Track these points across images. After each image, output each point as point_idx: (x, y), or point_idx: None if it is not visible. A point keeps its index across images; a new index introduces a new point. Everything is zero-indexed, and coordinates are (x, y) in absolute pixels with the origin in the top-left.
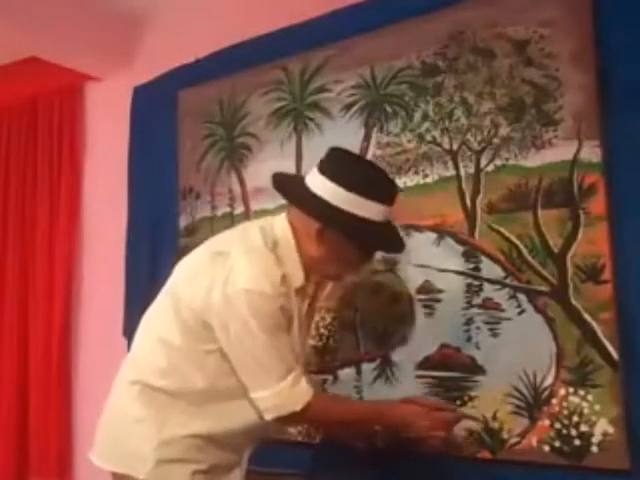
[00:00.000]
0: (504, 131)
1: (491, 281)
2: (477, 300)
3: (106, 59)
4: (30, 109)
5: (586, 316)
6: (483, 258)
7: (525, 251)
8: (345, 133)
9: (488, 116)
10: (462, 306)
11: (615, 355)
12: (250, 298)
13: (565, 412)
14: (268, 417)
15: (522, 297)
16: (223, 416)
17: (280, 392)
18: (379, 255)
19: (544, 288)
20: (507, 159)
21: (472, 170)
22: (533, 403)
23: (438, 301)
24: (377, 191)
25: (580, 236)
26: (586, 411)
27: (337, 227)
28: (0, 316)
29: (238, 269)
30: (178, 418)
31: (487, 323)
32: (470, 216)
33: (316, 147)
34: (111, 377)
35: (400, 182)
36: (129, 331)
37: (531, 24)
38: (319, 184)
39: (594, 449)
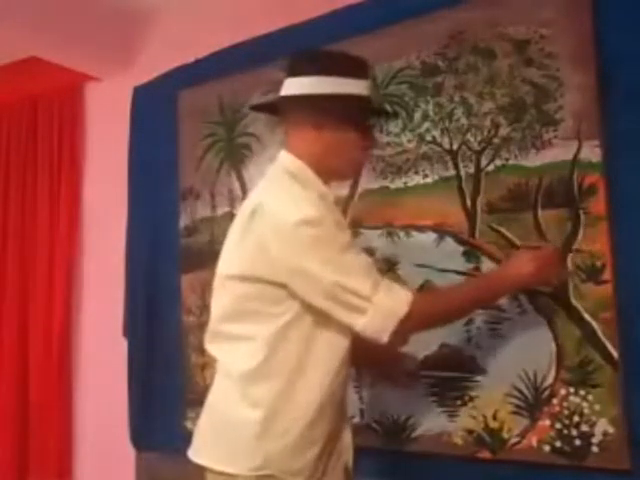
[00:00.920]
0: (504, 131)
1: None
2: None
3: (106, 59)
4: (30, 109)
5: (586, 316)
6: (483, 258)
7: None
8: None
9: (488, 116)
10: None
11: (615, 355)
12: (308, 227)
13: (565, 412)
14: (385, 339)
15: (522, 297)
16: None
17: (379, 306)
18: (379, 255)
19: (544, 288)
20: (507, 159)
21: (472, 170)
22: (533, 403)
23: None
24: (350, 68)
25: (580, 236)
26: (586, 411)
27: (329, 112)
28: (0, 316)
29: (279, 211)
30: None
31: (487, 323)
32: (470, 216)
33: None
34: (111, 377)
35: (400, 182)
36: (129, 331)
37: (531, 24)
38: (297, 84)
39: (594, 449)
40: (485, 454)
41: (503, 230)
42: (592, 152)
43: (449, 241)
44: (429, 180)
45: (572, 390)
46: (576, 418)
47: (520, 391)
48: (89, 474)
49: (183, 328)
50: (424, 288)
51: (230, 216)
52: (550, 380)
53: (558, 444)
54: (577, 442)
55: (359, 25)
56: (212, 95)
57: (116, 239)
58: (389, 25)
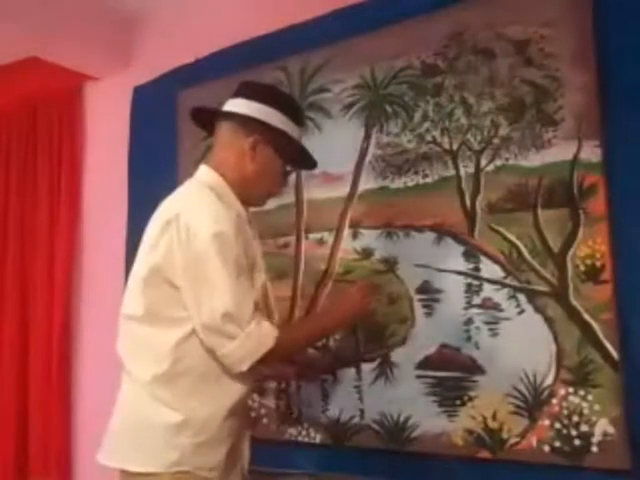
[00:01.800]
0: (504, 131)
1: (491, 281)
2: (477, 300)
3: (106, 59)
4: (30, 109)
5: (586, 316)
6: (483, 258)
7: (525, 251)
8: (345, 133)
9: (488, 116)
10: (462, 306)
11: (615, 355)
12: (216, 242)
13: (565, 412)
14: (243, 368)
15: (522, 297)
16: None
17: (248, 337)
18: (379, 255)
19: (544, 288)
20: (507, 159)
21: (472, 170)
22: (533, 403)
23: (438, 301)
24: (292, 111)
25: (580, 236)
26: (586, 411)
27: (269, 140)
28: (0, 317)
29: (194, 222)
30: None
31: (487, 323)
32: (470, 216)
33: (316, 147)
34: (111, 377)
35: (400, 182)
36: None
37: (531, 24)
38: (245, 106)
39: (594, 449)
40: (485, 454)
41: (503, 230)
42: (592, 152)
43: (449, 241)
44: (429, 180)
45: (572, 390)
46: (576, 418)
47: (520, 391)
48: (89, 474)
49: None
50: (424, 288)
51: None
52: (550, 380)
53: (558, 444)
54: (577, 442)
55: (359, 25)
56: (212, 95)
57: (116, 239)
58: (389, 25)
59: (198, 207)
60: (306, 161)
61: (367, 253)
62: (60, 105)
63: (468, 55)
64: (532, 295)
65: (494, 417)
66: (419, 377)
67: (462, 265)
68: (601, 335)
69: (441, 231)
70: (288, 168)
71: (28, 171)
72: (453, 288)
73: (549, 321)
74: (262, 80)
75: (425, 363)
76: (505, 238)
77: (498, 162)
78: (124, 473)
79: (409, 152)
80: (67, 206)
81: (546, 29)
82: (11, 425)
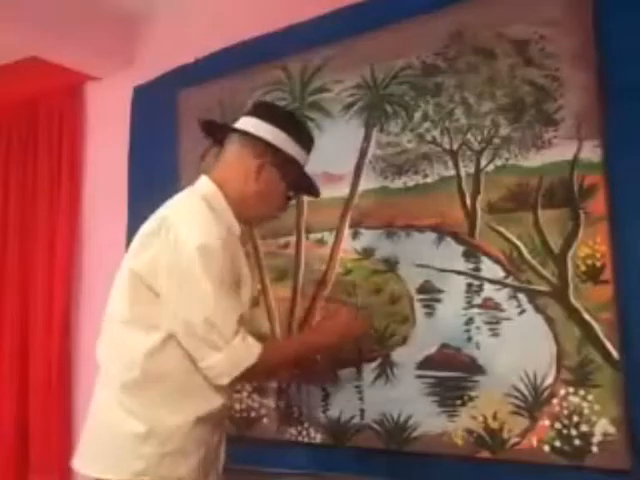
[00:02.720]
0: (504, 131)
1: (491, 281)
2: (477, 300)
3: (106, 59)
4: (30, 109)
5: (586, 316)
6: (483, 258)
7: (525, 251)
8: (345, 133)
9: (488, 116)
10: (462, 306)
11: (615, 355)
12: (202, 254)
13: (565, 412)
14: (225, 381)
15: (522, 297)
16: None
17: (233, 350)
18: (379, 255)
19: (544, 288)
20: (507, 159)
21: (472, 170)
22: (533, 403)
23: (438, 301)
24: (304, 138)
25: (580, 236)
26: (586, 411)
27: (276, 164)
28: (0, 316)
29: (183, 231)
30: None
31: (487, 323)
32: (470, 216)
33: (316, 147)
34: None
35: (400, 182)
36: None
37: (531, 24)
38: (255, 126)
39: (594, 449)
40: (485, 454)
41: (503, 230)
42: (592, 152)
43: (449, 241)
44: (429, 180)
45: (572, 390)
46: (576, 418)
47: (520, 391)
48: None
49: None
50: (424, 288)
51: None
52: (550, 380)
53: (558, 444)
54: (577, 442)
55: (359, 25)
56: (212, 95)
57: (116, 239)
58: (389, 25)
59: (188, 217)
60: (310, 188)
61: (367, 253)
62: (60, 105)
63: (468, 55)
64: (533, 295)
65: (494, 417)
66: (419, 377)
67: (463, 265)
68: (601, 335)
69: (441, 231)
70: (291, 193)
71: (28, 171)
72: (454, 288)
73: (549, 321)
74: (262, 80)
75: (426, 363)
76: (505, 238)
77: (498, 162)
78: None
79: (409, 152)
80: (67, 206)
81: (546, 29)
82: (11, 425)
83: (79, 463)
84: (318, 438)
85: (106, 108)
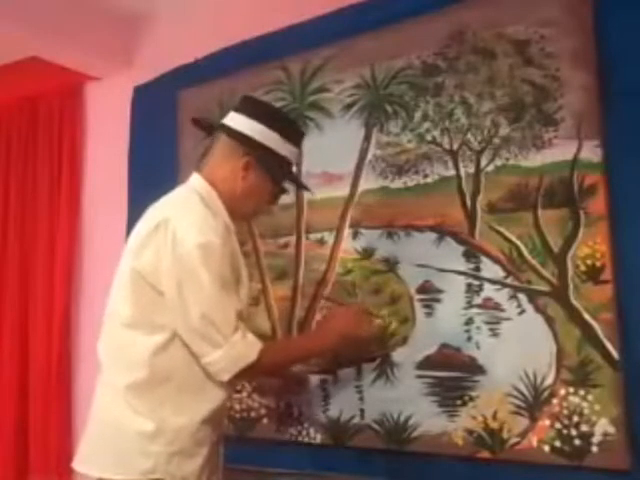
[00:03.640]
0: (504, 131)
1: (491, 281)
2: (477, 300)
3: (106, 59)
4: (30, 109)
5: (586, 316)
6: (483, 258)
7: (525, 251)
8: (345, 133)
9: (488, 116)
10: (462, 306)
11: (615, 355)
12: (202, 252)
13: (565, 412)
14: (226, 377)
15: (522, 297)
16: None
17: (233, 347)
18: (379, 255)
19: (544, 288)
20: (507, 159)
21: (472, 170)
22: (533, 403)
23: (438, 301)
24: (292, 134)
25: (580, 236)
26: (586, 411)
27: (262, 161)
28: (0, 316)
29: (182, 229)
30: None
31: (487, 323)
32: (470, 216)
33: (316, 147)
34: None
35: (400, 182)
36: None
37: (531, 24)
38: (242, 123)
39: (594, 449)
40: (485, 454)
41: (503, 230)
42: (592, 152)
43: (449, 241)
44: (429, 180)
45: (572, 390)
46: (576, 418)
47: (520, 391)
48: None
49: None
50: (424, 288)
51: None
52: (550, 380)
53: (558, 444)
54: (577, 442)
55: (359, 25)
56: (212, 95)
57: (116, 239)
58: (389, 25)
59: (187, 214)
60: (300, 183)
61: (367, 253)
62: (60, 105)
63: (468, 55)
64: (533, 295)
65: (494, 417)
66: (419, 377)
67: (463, 265)
68: (601, 335)
69: (442, 231)
70: (283, 187)
71: (28, 171)
72: (454, 288)
73: (549, 321)
74: (262, 80)
75: (426, 363)
76: (505, 238)
77: (498, 162)
78: None
79: (409, 152)
80: (67, 206)
81: (546, 29)
82: (11, 424)
83: (81, 463)
84: (318, 438)
85: (106, 108)
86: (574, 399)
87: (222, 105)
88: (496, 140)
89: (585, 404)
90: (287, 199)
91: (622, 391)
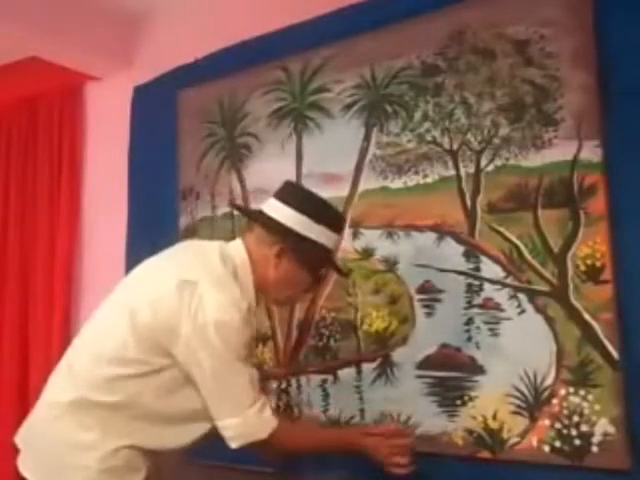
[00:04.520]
0: (504, 131)
1: (491, 281)
2: (477, 300)
3: (106, 59)
4: (30, 109)
5: (586, 316)
6: (483, 258)
7: (525, 251)
8: (345, 133)
9: (488, 116)
10: (462, 306)
11: (615, 355)
12: (221, 329)
13: (565, 412)
14: (234, 445)
15: (522, 297)
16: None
17: (247, 420)
18: (379, 255)
19: (544, 288)
20: (507, 159)
21: (472, 170)
22: (533, 403)
23: (438, 301)
24: (329, 218)
25: (580, 236)
26: (586, 411)
27: (297, 250)
28: (0, 316)
29: (208, 300)
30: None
31: (487, 323)
32: (470, 216)
33: (316, 147)
34: None
35: (400, 182)
36: None
37: (531, 24)
38: (276, 209)
39: (594, 449)
40: (485, 454)
41: (503, 230)
42: (592, 152)
43: (449, 241)
44: (429, 180)
45: (572, 390)
46: (576, 418)
47: (520, 391)
48: None
49: None
50: (424, 288)
51: (230, 216)
52: (550, 380)
53: (558, 444)
54: (577, 442)
55: (359, 25)
56: (212, 95)
57: (116, 239)
58: (389, 25)
59: (218, 289)
60: (339, 270)
61: (367, 253)
62: (60, 105)
63: (468, 55)
64: (533, 295)
65: (494, 417)
66: (419, 377)
67: (463, 265)
68: (601, 335)
69: (442, 231)
70: (322, 272)
71: (28, 171)
72: (454, 288)
73: (549, 321)
74: (262, 80)
75: (425, 363)
76: (505, 238)
77: (498, 162)
78: None
79: (409, 152)
80: (67, 206)
81: (546, 29)
82: (11, 424)
83: (22, 464)
84: None
85: (106, 108)
86: (574, 399)
87: (222, 105)
88: (496, 140)
89: (585, 404)
90: None
91: (622, 391)
